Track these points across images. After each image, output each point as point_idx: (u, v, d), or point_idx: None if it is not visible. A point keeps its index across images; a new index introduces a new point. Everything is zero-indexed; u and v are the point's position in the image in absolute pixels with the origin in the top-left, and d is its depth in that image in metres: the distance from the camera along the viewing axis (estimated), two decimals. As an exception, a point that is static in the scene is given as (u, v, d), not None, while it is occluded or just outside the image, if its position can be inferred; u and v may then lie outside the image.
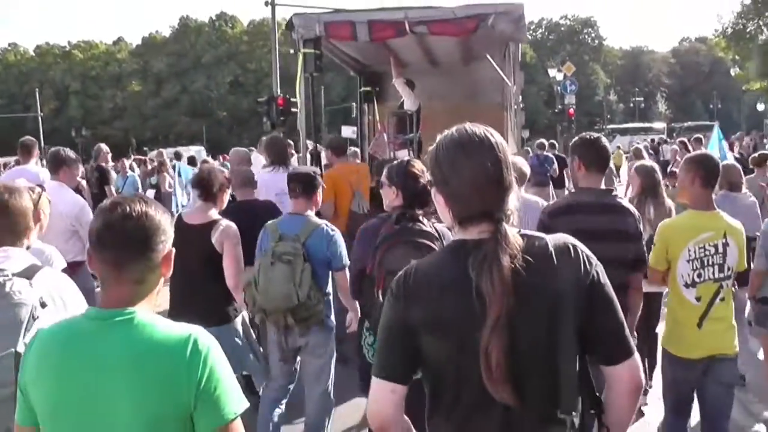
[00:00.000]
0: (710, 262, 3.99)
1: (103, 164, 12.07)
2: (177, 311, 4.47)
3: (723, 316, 4.04)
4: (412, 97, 9.70)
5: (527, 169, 5.55)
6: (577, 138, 4.22)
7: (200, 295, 4.57)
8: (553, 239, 1.96)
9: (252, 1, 64.62)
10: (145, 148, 48.05)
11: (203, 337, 1.91)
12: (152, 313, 1.96)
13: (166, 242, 1.98)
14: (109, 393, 1.83)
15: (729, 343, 4.05)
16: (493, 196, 1.92)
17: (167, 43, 75.25)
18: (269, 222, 4.73)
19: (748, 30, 37.20)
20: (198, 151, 34.21)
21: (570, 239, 1.99)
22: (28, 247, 2.89)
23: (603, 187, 4.13)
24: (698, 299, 4.00)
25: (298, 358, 4.79)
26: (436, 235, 3.78)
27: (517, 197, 1.98)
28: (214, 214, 4.78)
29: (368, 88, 11.93)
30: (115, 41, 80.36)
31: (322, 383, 4.76)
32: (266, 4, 21.73)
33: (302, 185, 4.68)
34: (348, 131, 12.85)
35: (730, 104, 79.02)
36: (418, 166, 4.02)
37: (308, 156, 8.64)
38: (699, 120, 53.19)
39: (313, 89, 8.86)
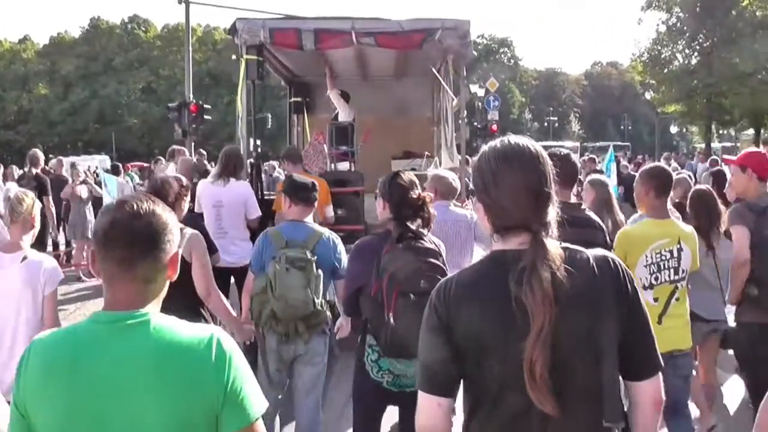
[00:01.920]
0: (666, 266, 4.33)
1: (41, 171, 11.53)
2: None
3: (680, 314, 4.41)
4: (347, 108, 9.64)
5: (457, 185, 5.66)
6: (546, 153, 4.25)
7: (168, 307, 4.27)
8: (593, 253, 2.00)
9: (166, 5, 63.01)
10: (51, 156, 46.12)
11: (225, 337, 1.87)
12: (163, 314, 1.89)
13: (173, 242, 1.92)
14: (132, 401, 1.75)
15: (686, 339, 4.45)
16: (532, 208, 1.95)
17: (76, 44, 72.20)
18: (269, 229, 4.76)
19: (662, 56, 38.73)
20: (102, 160, 33.04)
21: (609, 253, 2.04)
22: None
23: (573, 201, 4.31)
24: (656, 300, 4.34)
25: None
26: (438, 250, 3.77)
27: (556, 209, 2.02)
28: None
29: (299, 99, 11.77)
30: (20, 39, 76.53)
31: (315, 393, 4.69)
32: (180, 1, 20.80)
33: (303, 193, 4.69)
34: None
35: (641, 126, 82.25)
36: (406, 177, 4.03)
37: (248, 166, 8.30)
38: (610, 140, 54.95)
39: (255, 97, 8.58)
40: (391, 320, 3.60)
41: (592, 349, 1.91)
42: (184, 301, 4.34)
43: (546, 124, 77.40)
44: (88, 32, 73.39)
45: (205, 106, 18.24)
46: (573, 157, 4.28)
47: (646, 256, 4.32)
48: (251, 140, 8.57)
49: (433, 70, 9.30)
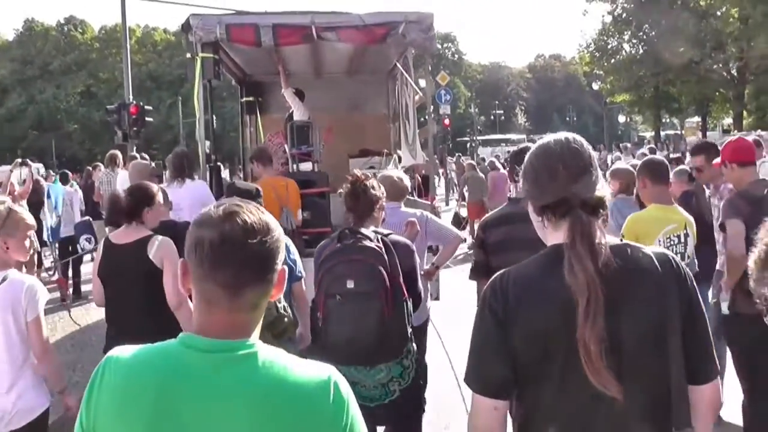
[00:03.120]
0: (675, 252, 4.30)
1: None
2: (120, 342, 4.01)
3: None
4: (302, 107, 9.36)
5: (406, 184, 5.50)
6: (516, 149, 4.33)
7: (143, 318, 4.27)
8: (652, 250, 1.98)
9: (103, 5, 61.54)
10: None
11: (341, 379, 1.64)
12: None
13: (282, 259, 1.65)
14: None
15: None
16: (568, 181, 1.95)
17: (10, 47, 69.97)
18: None
19: (609, 47, 39.18)
20: (36, 168, 31.95)
21: (669, 252, 2.04)
22: None
23: None
24: None
25: None
26: (379, 248, 3.57)
27: (608, 198, 2.02)
28: (145, 230, 4.49)
29: (251, 99, 11.46)
30: (-49, 42, 74.26)
31: None
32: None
33: (247, 198, 4.33)
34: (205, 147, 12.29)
35: (586, 117, 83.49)
36: (368, 181, 3.92)
37: (207, 169, 7.92)
38: (556, 131, 55.50)
39: (212, 98, 8.21)
40: (320, 323, 3.53)
41: (660, 344, 1.88)
42: (159, 310, 4.22)
43: (492, 117, 77.98)
44: (22, 35, 71.07)
45: (146, 107, 17.53)
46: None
47: (659, 241, 4.36)
48: (208, 143, 8.18)
49: (398, 65, 9.08)
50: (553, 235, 2.00)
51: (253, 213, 1.60)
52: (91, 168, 15.31)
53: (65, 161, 52.02)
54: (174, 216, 6.34)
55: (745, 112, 35.38)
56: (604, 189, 2.01)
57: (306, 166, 9.17)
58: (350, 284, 3.47)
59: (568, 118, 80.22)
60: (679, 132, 47.35)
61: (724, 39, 32.37)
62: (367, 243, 3.59)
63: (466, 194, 16.87)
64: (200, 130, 7.83)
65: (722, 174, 5.04)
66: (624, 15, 38.20)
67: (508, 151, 31.56)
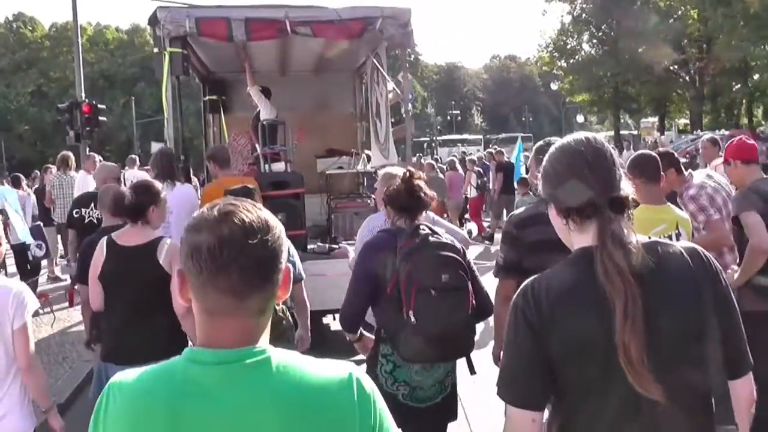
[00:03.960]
0: None
1: None
2: (121, 348, 4.08)
3: None
4: (269, 106, 9.08)
5: None
6: (541, 143, 4.09)
7: (149, 327, 4.07)
8: (682, 245, 1.97)
9: (54, 2, 60.07)
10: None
11: (364, 375, 1.55)
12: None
13: (285, 257, 1.55)
14: None
15: None
16: (594, 182, 1.90)
17: (-43, 46, 68.35)
18: None
19: (568, 47, 39.51)
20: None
21: (699, 246, 1.99)
22: None
23: None
24: None
25: None
26: (458, 247, 3.63)
27: (632, 192, 1.97)
28: (151, 231, 4.27)
29: (214, 97, 11.07)
30: None
31: None
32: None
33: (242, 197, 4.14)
34: (157, 147, 12.02)
35: (542, 117, 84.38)
36: (422, 181, 3.79)
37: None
38: (513, 132, 55.87)
39: (180, 95, 7.88)
40: (412, 318, 3.36)
41: (699, 342, 1.85)
42: (166, 317, 3.99)
43: (449, 118, 78.06)
44: (-31, 32, 69.21)
45: (99, 106, 16.81)
46: None
47: None
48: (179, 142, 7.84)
49: (368, 62, 8.85)
50: (579, 237, 1.94)
51: (251, 211, 1.50)
52: (42, 170, 14.76)
53: (16, 164, 50.62)
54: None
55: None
56: (628, 187, 1.96)
57: (278, 167, 8.88)
58: (445, 278, 3.43)
59: (524, 119, 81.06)
60: (634, 132, 47.95)
61: (684, 40, 32.85)
62: (444, 239, 3.60)
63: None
64: (169, 129, 7.51)
65: (684, 180, 5.14)
66: (583, 15, 38.53)
67: (463, 152, 31.72)
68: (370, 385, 1.55)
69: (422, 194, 3.69)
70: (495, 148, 21.31)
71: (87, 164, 12.01)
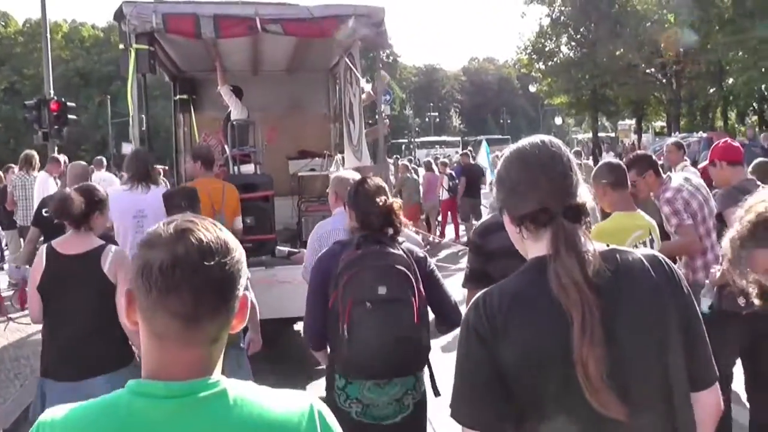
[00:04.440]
0: None
1: None
2: (63, 364, 3.86)
3: None
4: (240, 106, 8.88)
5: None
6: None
7: (93, 338, 3.86)
8: (642, 252, 1.88)
9: (28, -1, 59.20)
10: None
11: (323, 407, 1.49)
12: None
13: (244, 284, 1.44)
14: None
15: None
16: (549, 187, 1.82)
17: (-73, 41, 67.16)
18: None
19: (547, 49, 39.60)
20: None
21: (659, 253, 1.91)
22: None
23: None
24: None
25: None
26: (406, 256, 3.42)
27: (591, 204, 1.90)
28: (94, 239, 4.05)
29: (184, 96, 10.83)
30: None
31: None
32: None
33: (186, 199, 4.46)
34: (128, 148, 11.75)
35: (519, 119, 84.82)
36: (373, 183, 3.65)
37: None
38: (491, 134, 56.00)
39: (146, 94, 7.65)
40: (345, 333, 3.24)
41: (661, 353, 1.76)
42: (112, 328, 3.84)
43: (427, 119, 78.20)
44: (-60, 28, 68.10)
45: (69, 104, 16.21)
46: None
47: None
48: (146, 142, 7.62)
49: (343, 61, 8.68)
50: (534, 246, 1.86)
51: (210, 230, 1.39)
52: (2, 171, 14.31)
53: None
54: (133, 222, 5.87)
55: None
56: (585, 194, 1.87)
57: (247, 169, 8.69)
58: (382, 290, 3.27)
59: (501, 121, 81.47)
60: (612, 134, 48.17)
61: (662, 43, 33.01)
62: (392, 249, 3.43)
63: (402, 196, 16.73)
64: (134, 128, 7.29)
65: (662, 183, 5.18)
66: (562, 18, 38.60)
67: (436, 156, 31.70)
68: (331, 418, 1.49)
69: (398, 223, 3.53)
70: (458, 152, 21.48)
71: (50, 166, 11.57)
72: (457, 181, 17.74)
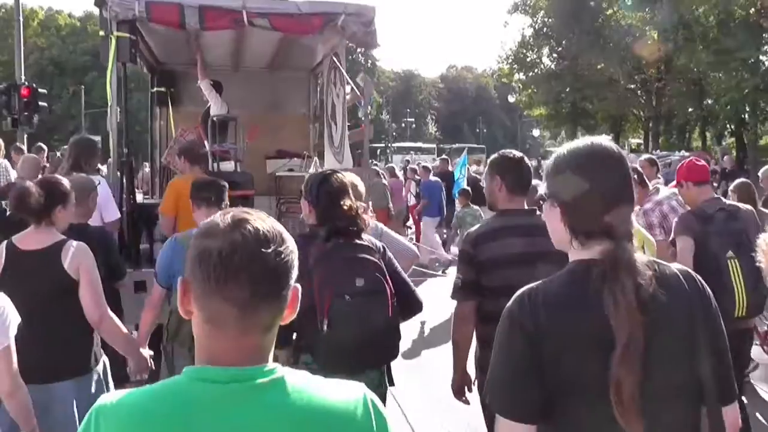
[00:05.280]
0: None
1: None
2: (25, 364, 3.42)
3: None
4: (219, 101, 8.67)
5: (362, 190, 4.88)
6: (497, 156, 3.94)
7: (51, 340, 3.67)
8: (676, 267, 1.90)
9: (5, -15, 58.14)
10: None
11: (373, 395, 1.52)
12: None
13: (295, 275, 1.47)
14: None
15: None
16: (616, 211, 1.84)
17: None
18: (178, 234, 4.40)
19: (528, 59, 39.65)
20: None
21: (689, 269, 1.93)
22: None
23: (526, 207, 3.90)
24: None
25: None
26: (374, 247, 3.48)
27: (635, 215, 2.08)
28: (56, 234, 3.85)
29: (162, 89, 10.61)
30: None
31: None
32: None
33: (215, 193, 4.39)
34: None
35: (495, 129, 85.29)
36: (336, 181, 3.59)
37: (116, 165, 7.10)
38: (466, 143, 56.11)
39: (126, 83, 7.39)
40: (325, 327, 3.23)
41: (691, 373, 1.80)
42: (72, 329, 3.74)
43: (403, 125, 78.34)
44: None
45: (40, 90, 15.72)
46: (527, 161, 3.93)
47: None
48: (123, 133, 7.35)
49: (327, 60, 8.50)
50: (580, 250, 1.87)
51: (265, 221, 1.44)
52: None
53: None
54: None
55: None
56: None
57: (227, 166, 8.49)
58: (360, 282, 3.29)
59: (478, 130, 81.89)
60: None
61: (644, 60, 33.14)
62: (361, 241, 3.46)
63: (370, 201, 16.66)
64: (112, 119, 7.03)
65: (647, 195, 5.45)
66: (545, 29, 38.68)
67: (407, 160, 31.64)
68: (382, 407, 1.51)
69: (358, 222, 3.50)
70: (435, 158, 21.77)
71: (14, 155, 11.19)
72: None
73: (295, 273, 1.45)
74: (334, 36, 7.66)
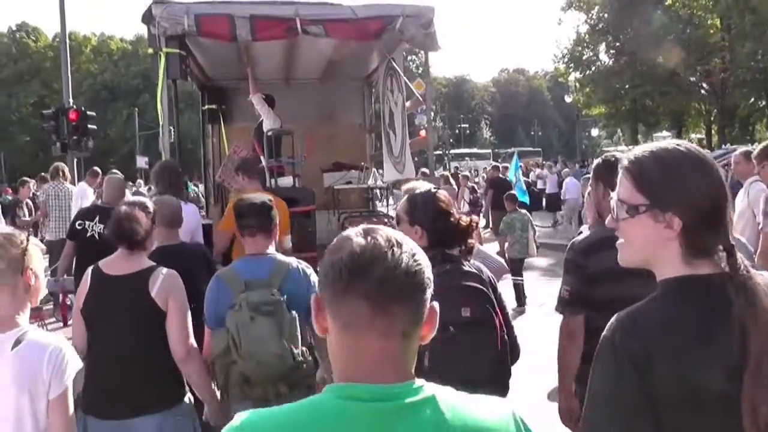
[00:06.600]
0: None
1: None
2: (107, 400, 3.47)
3: None
4: (272, 115, 8.46)
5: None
6: (600, 161, 3.63)
7: (139, 371, 3.51)
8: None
9: (57, 12, 59.74)
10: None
11: (521, 412, 1.46)
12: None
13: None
14: None
15: None
16: (728, 223, 1.71)
17: (-42, 54, 67.85)
18: (222, 270, 4.04)
19: (585, 57, 38.75)
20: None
21: None
22: None
23: None
24: None
25: None
26: (480, 274, 3.18)
27: None
28: (145, 259, 3.70)
29: (213, 106, 10.48)
30: None
31: None
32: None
33: (259, 219, 3.87)
34: (141, 161, 11.43)
35: (550, 131, 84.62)
36: (445, 197, 3.32)
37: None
38: (521, 146, 55.55)
39: (177, 101, 7.18)
40: (426, 362, 2.80)
41: None
42: (160, 360, 3.53)
43: (457, 131, 78.04)
44: (-30, 42, 68.84)
45: (89, 113, 15.38)
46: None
47: None
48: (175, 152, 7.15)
49: (391, 66, 8.17)
50: (684, 266, 1.69)
51: (395, 233, 1.43)
52: (19, 184, 13.85)
53: (18, 175, 50.35)
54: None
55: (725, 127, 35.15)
56: None
57: (285, 181, 8.22)
58: (466, 312, 3.00)
59: (532, 132, 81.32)
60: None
61: (706, 50, 32.03)
62: (467, 268, 3.16)
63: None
64: (164, 138, 6.81)
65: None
66: (600, 24, 37.73)
67: (456, 167, 31.23)
68: (529, 423, 1.48)
69: (465, 227, 3.27)
70: (491, 163, 21.70)
71: (90, 178, 11.48)
72: (477, 194, 17.51)
73: (429, 286, 1.39)
74: (392, 40, 7.35)
